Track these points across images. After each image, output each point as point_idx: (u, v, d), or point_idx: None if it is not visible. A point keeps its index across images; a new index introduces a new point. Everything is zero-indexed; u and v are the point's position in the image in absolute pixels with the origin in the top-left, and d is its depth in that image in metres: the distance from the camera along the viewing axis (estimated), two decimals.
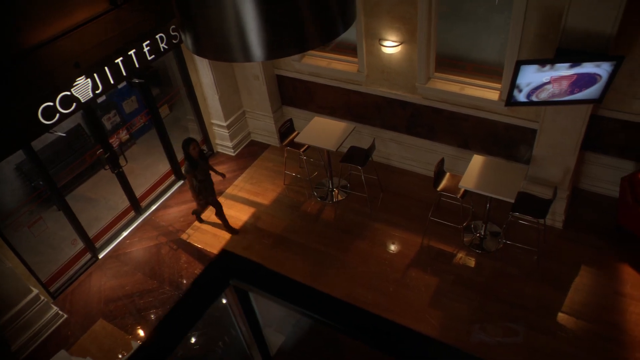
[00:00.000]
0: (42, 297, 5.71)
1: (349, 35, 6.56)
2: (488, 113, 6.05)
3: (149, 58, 5.43)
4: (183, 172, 6.03)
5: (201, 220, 6.92)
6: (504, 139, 6.19)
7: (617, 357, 4.88)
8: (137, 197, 7.05)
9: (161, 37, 5.49)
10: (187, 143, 5.88)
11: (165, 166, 7.59)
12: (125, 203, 7.00)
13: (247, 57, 2.44)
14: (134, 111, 8.02)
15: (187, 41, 2.39)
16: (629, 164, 5.98)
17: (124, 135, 7.97)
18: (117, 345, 5.62)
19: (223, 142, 8.00)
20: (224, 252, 1.44)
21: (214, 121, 7.85)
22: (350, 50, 6.71)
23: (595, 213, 6.24)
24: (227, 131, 7.81)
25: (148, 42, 5.35)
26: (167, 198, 7.43)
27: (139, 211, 7.12)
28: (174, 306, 1.35)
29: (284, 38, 2.37)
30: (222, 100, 7.51)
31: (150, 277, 6.31)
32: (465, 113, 6.19)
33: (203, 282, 1.41)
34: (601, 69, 4.57)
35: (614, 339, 5.01)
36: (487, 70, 6.00)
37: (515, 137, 6.09)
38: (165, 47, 5.58)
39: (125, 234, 6.92)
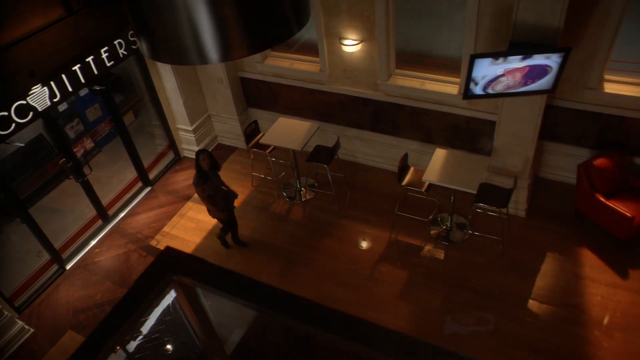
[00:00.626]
0: (6, 313, 5.59)
1: (311, 35, 6.62)
2: (449, 107, 6.18)
3: (108, 64, 5.38)
4: (193, 184, 5.65)
5: (227, 246, 6.42)
6: (465, 131, 6.33)
7: (580, 338, 5.04)
8: (104, 206, 6.97)
9: (120, 43, 5.44)
10: (198, 153, 5.50)
11: (132, 173, 7.51)
12: (92, 212, 6.91)
13: (203, 59, 2.45)
14: (98, 119, 7.90)
15: (142, 46, 2.39)
16: (585, 152, 6.17)
17: (88, 143, 7.85)
18: None
19: (190, 146, 7.96)
20: (167, 250, 1.46)
21: (179, 126, 7.81)
22: (312, 50, 6.77)
23: (555, 200, 6.43)
24: (193, 135, 7.78)
25: (106, 48, 5.30)
26: (134, 205, 7.36)
27: (107, 219, 7.03)
28: (117, 302, 1.37)
29: (238, 39, 2.39)
30: (186, 104, 7.47)
31: (120, 285, 6.24)
32: (427, 108, 6.30)
33: (146, 278, 1.43)
34: (551, 61, 4.72)
35: (576, 320, 5.18)
36: (446, 65, 6.13)
37: (476, 129, 6.24)
38: (125, 52, 5.53)
39: (93, 243, 6.83)
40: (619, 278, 5.50)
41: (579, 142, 6.22)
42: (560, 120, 6.12)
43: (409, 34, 6.10)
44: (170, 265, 1.46)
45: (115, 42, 5.39)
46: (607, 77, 5.75)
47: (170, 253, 1.50)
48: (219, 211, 5.81)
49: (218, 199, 5.73)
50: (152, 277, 1.45)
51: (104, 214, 6.96)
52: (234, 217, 6.08)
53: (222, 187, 5.85)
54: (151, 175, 7.65)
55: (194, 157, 8.01)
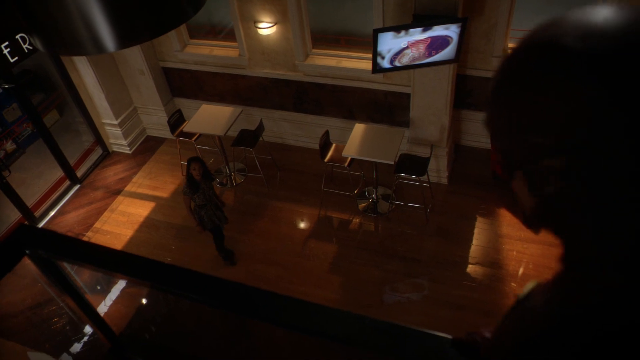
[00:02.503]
0: None
1: (228, 20, 6.62)
2: (367, 83, 6.34)
3: (12, 60, 5.23)
4: (182, 192, 5.37)
5: (231, 260, 5.98)
6: (384, 106, 6.52)
7: (499, 291, 5.36)
8: (30, 207, 6.80)
9: (23, 38, 5.30)
10: (189, 161, 5.21)
11: (58, 172, 7.34)
12: (16, 215, 6.73)
13: (99, 48, 2.46)
14: (18, 119, 7.66)
15: (34, 39, 2.37)
16: None
17: (9, 145, 7.62)
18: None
19: (117, 141, 7.84)
20: (21, 226, 1.51)
21: (104, 121, 7.67)
22: (232, 35, 6.77)
23: (476, 166, 6.74)
24: (119, 129, 7.66)
25: (7, 43, 5.15)
26: (64, 204, 7.21)
27: (34, 221, 6.87)
28: None
29: (132, 25, 2.41)
30: (109, 98, 7.34)
31: (51, 285, 6.13)
32: (346, 85, 6.45)
33: None
34: (450, 31, 4.93)
35: (495, 276, 5.50)
36: (359, 42, 6.28)
37: (394, 103, 6.43)
38: (30, 47, 5.39)
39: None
40: (531, 233, 5.83)
41: None
42: (473, 88, 6.40)
43: (321, 14, 6.20)
44: (24, 241, 1.52)
45: (18, 37, 5.24)
46: (510, 45, 6.04)
47: (24, 229, 1.56)
48: (199, 226, 5.54)
49: (209, 210, 5.43)
50: (5, 253, 1.50)
51: (30, 216, 6.79)
52: (220, 229, 5.78)
53: (214, 198, 5.53)
54: (79, 173, 7.50)
55: (123, 151, 7.95)
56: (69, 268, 1.80)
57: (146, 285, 1.78)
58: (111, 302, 5.68)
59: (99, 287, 5.95)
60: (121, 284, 5.73)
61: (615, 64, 0.59)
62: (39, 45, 2.44)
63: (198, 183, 5.26)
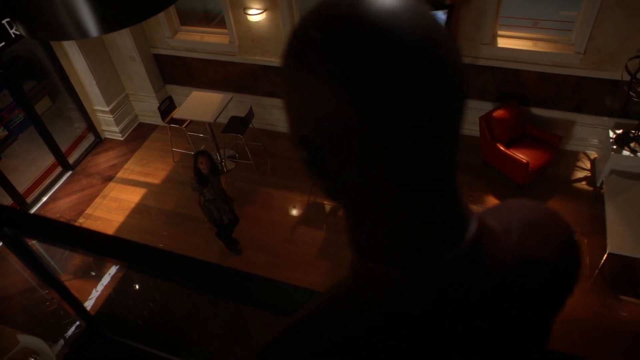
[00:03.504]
0: None
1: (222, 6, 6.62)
2: None
3: None
4: (191, 187, 5.33)
5: (236, 248, 5.95)
6: None
7: None
8: (21, 193, 6.84)
9: (9, 22, 5.30)
10: (196, 155, 5.17)
11: (50, 159, 7.37)
12: (8, 201, 6.77)
13: (82, 33, 2.48)
14: (9, 106, 7.67)
15: (17, 24, 2.39)
16: (488, 105, 6.51)
17: (1, 132, 7.63)
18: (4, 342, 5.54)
19: (109, 127, 7.86)
20: None
21: (96, 107, 7.70)
22: (225, 22, 6.77)
23: (465, 154, 6.75)
24: (111, 116, 7.68)
25: None
26: (55, 190, 7.26)
27: (26, 207, 6.91)
28: None
29: (116, 9, 2.44)
30: (100, 85, 7.36)
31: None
32: None
33: None
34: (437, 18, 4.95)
35: None
36: None
37: None
38: (17, 32, 5.39)
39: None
40: None
41: (482, 96, 6.55)
42: None
43: (314, 1, 6.20)
44: None
45: (4, 22, 5.25)
46: (500, 32, 6.07)
47: None
48: (209, 222, 5.50)
49: (219, 203, 5.41)
50: None
51: (21, 202, 6.83)
52: (234, 219, 5.76)
53: (223, 192, 5.51)
54: (71, 159, 7.53)
55: (115, 137, 7.97)
56: (41, 249, 1.85)
57: (121, 265, 1.82)
58: (89, 283, 5.75)
59: (80, 271, 6.03)
60: (99, 266, 5.81)
61: (347, 59, 0.55)
62: (21, 30, 2.47)
63: (207, 177, 5.19)
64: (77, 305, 2.24)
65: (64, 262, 6.28)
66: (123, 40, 7.01)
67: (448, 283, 0.69)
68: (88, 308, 5.28)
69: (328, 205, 6.38)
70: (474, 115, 6.63)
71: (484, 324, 0.72)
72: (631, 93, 5.13)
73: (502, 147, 6.01)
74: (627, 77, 5.15)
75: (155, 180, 7.09)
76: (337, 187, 0.67)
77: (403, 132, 0.57)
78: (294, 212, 6.39)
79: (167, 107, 6.95)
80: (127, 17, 2.57)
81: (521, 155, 5.85)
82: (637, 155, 5.56)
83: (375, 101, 0.55)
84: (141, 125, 8.15)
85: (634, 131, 5.64)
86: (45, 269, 1.94)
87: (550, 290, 0.79)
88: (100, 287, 5.81)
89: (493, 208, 0.87)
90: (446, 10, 4.86)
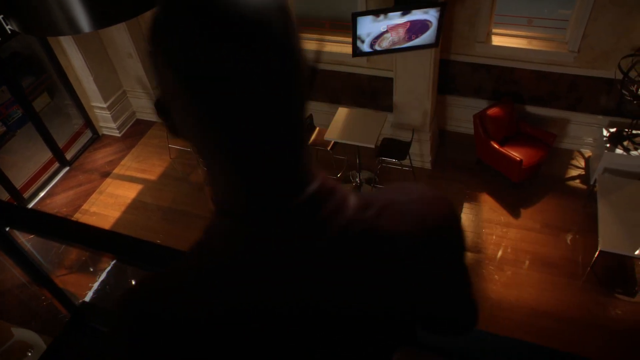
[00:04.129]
0: None
1: None
2: (350, 67, 6.38)
3: None
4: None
5: None
6: (368, 90, 6.57)
7: (477, 274, 5.44)
8: (19, 189, 6.89)
9: (4, 19, 5.33)
10: None
11: (48, 154, 7.42)
12: (5, 196, 6.82)
13: (74, 29, 2.51)
14: (7, 102, 7.71)
15: (10, 20, 2.42)
16: (483, 103, 6.53)
17: None
18: None
19: (107, 124, 7.90)
20: None
21: (93, 104, 7.73)
22: None
23: (460, 151, 6.79)
24: (108, 112, 7.72)
25: None
26: (52, 186, 7.30)
27: (23, 202, 6.96)
28: None
29: (107, 5, 2.46)
30: (97, 81, 7.39)
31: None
32: (331, 69, 6.49)
33: None
34: (430, 15, 4.96)
35: (475, 259, 5.58)
36: (345, 27, 6.29)
37: (377, 87, 6.48)
38: (12, 29, 5.42)
39: (9, 228, 6.76)
40: (511, 218, 5.94)
41: (477, 94, 6.57)
42: (457, 74, 6.44)
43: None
44: None
45: (0, 18, 5.28)
46: (494, 30, 6.08)
47: None
48: None
49: None
50: None
51: (18, 197, 6.88)
52: None
53: None
54: (69, 155, 7.57)
55: (112, 134, 8.01)
56: (21, 238, 1.88)
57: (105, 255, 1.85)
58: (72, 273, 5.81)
59: (76, 265, 6.06)
60: (96, 261, 5.84)
61: (168, 34, 0.66)
62: (15, 26, 2.50)
63: None
64: (62, 296, 2.27)
65: (60, 256, 6.34)
66: (120, 36, 7.04)
67: (280, 238, 0.74)
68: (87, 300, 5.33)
69: None
70: (469, 113, 6.65)
71: (319, 287, 0.75)
72: (624, 91, 5.13)
73: (496, 145, 6.03)
74: (620, 76, 5.16)
75: (152, 177, 7.13)
76: (194, 147, 0.77)
77: (212, 94, 0.66)
78: None
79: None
80: (119, 13, 2.60)
81: (515, 153, 5.86)
82: (630, 154, 5.56)
83: (183, 66, 0.65)
84: (139, 122, 8.18)
85: (627, 130, 5.65)
86: (29, 261, 1.97)
87: (399, 267, 0.79)
88: (99, 281, 5.85)
89: (380, 189, 0.90)
90: (439, 9, 4.87)
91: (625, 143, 5.64)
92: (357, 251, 0.76)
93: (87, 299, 2.72)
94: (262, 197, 0.74)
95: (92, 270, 6.16)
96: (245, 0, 0.64)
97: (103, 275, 5.30)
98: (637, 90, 4.99)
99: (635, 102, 5.10)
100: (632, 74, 4.96)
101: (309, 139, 6.14)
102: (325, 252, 0.74)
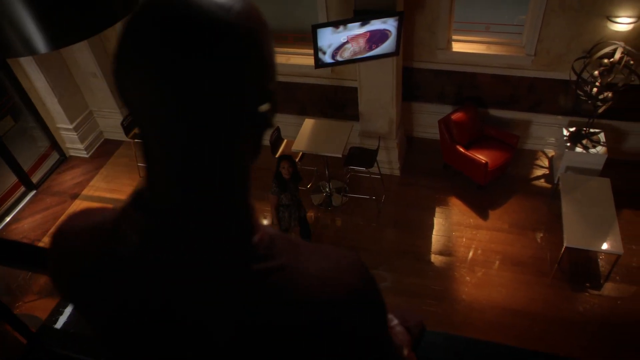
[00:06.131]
0: None
1: None
2: (315, 78, 6.44)
3: None
4: (270, 191, 5.12)
5: None
6: (334, 100, 6.64)
7: (449, 277, 5.51)
8: None
9: None
10: (279, 159, 5.02)
11: (13, 178, 7.27)
12: None
13: (30, 50, 2.49)
14: None
15: None
16: (447, 108, 6.65)
17: None
18: None
19: (74, 145, 7.79)
20: None
21: (59, 125, 7.62)
22: None
23: (428, 157, 6.90)
24: (75, 134, 7.62)
25: None
26: (18, 211, 7.15)
27: None
28: None
29: (63, 25, 2.45)
30: (62, 103, 7.30)
31: (5, 294, 6.10)
32: (297, 82, 6.54)
33: None
34: (389, 25, 5.06)
35: (446, 262, 5.65)
36: (308, 39, 6.37)
37: (343, 97, 6.56)
38: None
39: None
40: (480, 219, 6.04)
41: (441, 100, 6.69)
42: (420, 81, 6.56)
43: (272, 12, 6.27)
44: None
45: None
46: (454, 37, 6.22)
47: None
48: (276, 225, 5.30)
49: (292, 211, 5.26)
50: None
51: None
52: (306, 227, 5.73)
53: (299, 199, 5.37)
54: (35, 179, 7.43)
55: (80, 155, 7.90)
56: None
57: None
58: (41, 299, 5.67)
59: (44, 291, 5.94)
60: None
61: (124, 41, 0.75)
62: None
63: (287, 182, 5.04)
64: (16, 322, 2.23)
65: (29, 281, 6.20)
66: (83, 56, 6.98)
67: (198, 253, 0.79)
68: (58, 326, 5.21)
69: None
70: (434, 118, 6.77)
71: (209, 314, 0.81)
72: (578, 92, 5.30)
73: (461, 149, 6.14)
74: (574, 77, 5.33)
75: (122, 196, 7.04)
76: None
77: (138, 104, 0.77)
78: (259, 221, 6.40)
79: (130, 122, 6.92)
80: (77, 31, 2.59)
81: (480, 156, 5.98)
82: (589, 152, 5.73)
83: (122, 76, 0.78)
84: (107, 142, 8.09)
85: (585, 129, 5.82)
86: None
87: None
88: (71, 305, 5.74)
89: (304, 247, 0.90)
90: (397, 18, 4.97)
91: (584, 141, 5.81)
92: (263, 306, 0.79)
93: (59, 324, 2.67)
94: (197, 201, 0.79)
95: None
96: (206, 15, 0.70)
97: None
98: (590, 90, 5.16)
99: (590, 102, 5.27)
100: (585, 75, 5.13)
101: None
102: (232, 292, 0.78)
